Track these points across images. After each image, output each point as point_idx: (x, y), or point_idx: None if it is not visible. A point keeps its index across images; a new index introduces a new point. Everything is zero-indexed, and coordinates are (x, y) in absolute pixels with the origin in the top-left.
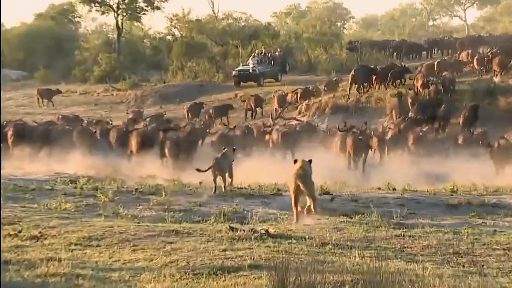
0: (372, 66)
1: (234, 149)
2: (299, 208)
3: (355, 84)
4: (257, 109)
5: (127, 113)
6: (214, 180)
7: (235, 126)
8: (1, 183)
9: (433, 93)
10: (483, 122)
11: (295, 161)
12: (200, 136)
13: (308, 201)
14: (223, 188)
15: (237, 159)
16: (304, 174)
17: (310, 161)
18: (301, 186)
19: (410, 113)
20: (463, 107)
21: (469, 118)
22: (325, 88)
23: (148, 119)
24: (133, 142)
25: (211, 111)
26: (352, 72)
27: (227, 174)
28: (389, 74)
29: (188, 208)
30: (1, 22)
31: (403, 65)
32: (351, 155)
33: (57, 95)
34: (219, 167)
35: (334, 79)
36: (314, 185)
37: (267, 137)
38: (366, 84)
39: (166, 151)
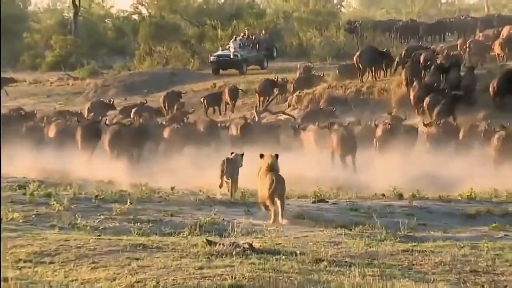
0: (385, 50)
1: (242, 155)
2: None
3: (360, 69)
4: (233, 102)
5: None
6: (221, 185)
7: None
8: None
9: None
10: (503, 114)
11: (262, 156)
12: (153, 130)
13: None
14: (230, 195)
15: (205, 159)
16: (280, 176)
17: (277, 155)
18: (277, 186)
19: (424, 79)
20: (481, 97)
21: (503, 86)
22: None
23: (134, 110)
24: (77, 138)
25: (202, 101)
26: (357, 55)
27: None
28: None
29: (158, 219)
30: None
31: (429, 46)
32: (338, 153)
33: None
34: (229, 171)
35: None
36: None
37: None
38: (373, 69)
39: (106, 144)
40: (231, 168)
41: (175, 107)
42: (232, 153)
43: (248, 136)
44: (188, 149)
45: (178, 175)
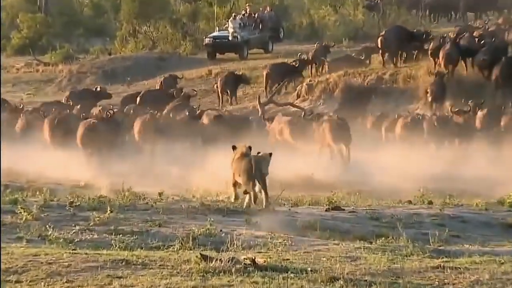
0: (415, 30)
1: (270, 154)
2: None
3: (384, 53)
4: (228, 92)
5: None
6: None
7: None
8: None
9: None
10: None
11: (234, 148)
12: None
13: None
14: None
15: (188, 156)
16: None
17: (250, 147)
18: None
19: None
20: None
21: None
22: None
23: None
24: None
25: (216, 85)
26: (382, 36)
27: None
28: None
29: (143, 230)
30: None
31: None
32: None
33: None
34: (258, 169)
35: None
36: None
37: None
38: (400, 53)
39: (77, 140)
40: (260, 166)
41: (172, 93)
42: (258, 153)
43: (220, 129)
44: (172, 145)
45: (164, 176)
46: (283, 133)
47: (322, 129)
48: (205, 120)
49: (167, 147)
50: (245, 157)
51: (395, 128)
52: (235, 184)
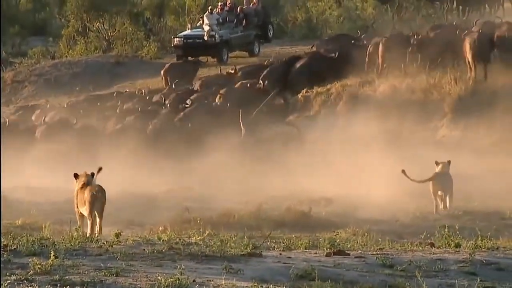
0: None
1: (449, 162)
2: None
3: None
4: None
5: None
6: (435, 199)
7: None
8: None
9: None
10: None
11: (76, 176)
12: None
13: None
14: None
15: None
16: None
17: (93, 174)
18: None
19: None
20: None
21: None
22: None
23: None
24: None
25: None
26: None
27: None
28: None
29: (96, 280)
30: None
31: None
32: None
33: None
34: (442, 184)
35: None
36: None
37: None
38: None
39: None
40: (443, 180)
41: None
42: (437, 163)
43: None
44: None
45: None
46: None
47: None
48: None
49: None
50: (87, 186)
51: None
52: (82, 216)
